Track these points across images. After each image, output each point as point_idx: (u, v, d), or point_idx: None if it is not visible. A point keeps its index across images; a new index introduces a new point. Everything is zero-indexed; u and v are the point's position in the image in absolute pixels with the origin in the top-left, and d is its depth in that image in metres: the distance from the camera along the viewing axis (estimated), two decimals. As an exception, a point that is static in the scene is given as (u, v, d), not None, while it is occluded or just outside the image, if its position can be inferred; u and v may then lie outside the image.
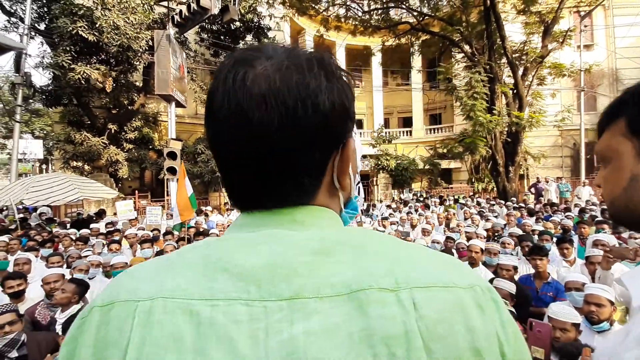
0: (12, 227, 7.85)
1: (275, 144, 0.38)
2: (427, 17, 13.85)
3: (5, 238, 5.13)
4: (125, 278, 0.40)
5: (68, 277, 3.66)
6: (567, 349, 1.59)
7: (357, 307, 0.33)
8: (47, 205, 8.89)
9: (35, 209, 9.56)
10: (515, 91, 11.54)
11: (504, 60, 11.78)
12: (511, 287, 2.59)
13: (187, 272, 0.37)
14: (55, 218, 9.71)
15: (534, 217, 7.18)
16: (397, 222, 7.20)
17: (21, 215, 8.97)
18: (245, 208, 0.43)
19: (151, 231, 6.61)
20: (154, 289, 0.37)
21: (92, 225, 7.37)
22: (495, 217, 7.66)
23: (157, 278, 0.38)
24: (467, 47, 12.60)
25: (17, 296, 3.06)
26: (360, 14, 14.74)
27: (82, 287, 2.88)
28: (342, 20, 14.90)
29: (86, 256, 4.44)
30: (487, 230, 5.87)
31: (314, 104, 0.38)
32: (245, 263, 0.36)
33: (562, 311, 2.02)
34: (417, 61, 18.40)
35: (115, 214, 9.59)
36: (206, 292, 0.35)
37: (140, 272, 0.40)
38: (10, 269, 3.90)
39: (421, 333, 0.32)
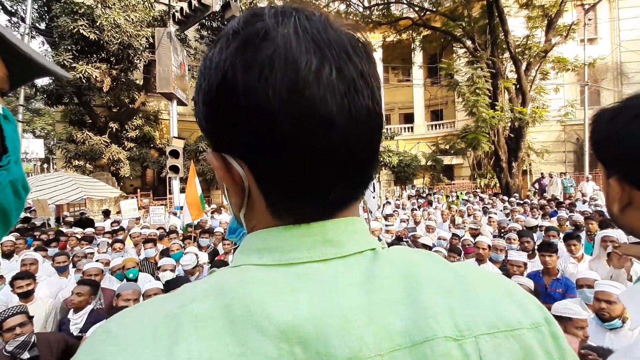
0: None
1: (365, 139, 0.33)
2: (428, 12, 13.74)
3: (12, 237, 5.15)
4: (108, 347, 0.28)
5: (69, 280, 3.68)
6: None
7: None
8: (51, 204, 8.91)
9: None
10: (518, 86, 11.47)
11: (507, 55, 11.70)
12: (530, 284, 2.62)
13: (204, 331, 0.27)
14: (59, 217, 9.74)
15: (540, 213, 7.16)
16: (407, 220, 7.19)
17: (27, 215, 8.99)
18: (296, 220, 0.34)
19: (157, 229, 6.61)
20: None
21: (97, 224, 7.40)
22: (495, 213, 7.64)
23: (161, 345, 0.27)
24: (469, 42, 12.52)
25: (26, 296, 3.07)
26: (361, 9, 14.64)
27: (94, 288, 2.89)
28: (343, 16, 14.81)
29: (90, 254, 4.47)
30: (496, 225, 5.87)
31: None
32: (283, 316, 0.28)
33: (579, 309, 2.03)
34: (418, 57, 18.29)
35: (118, 212, 9.61)
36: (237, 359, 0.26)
37: (132, 333, 0.28)
38: (17, 268, 3.91)
39: None
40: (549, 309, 2.88)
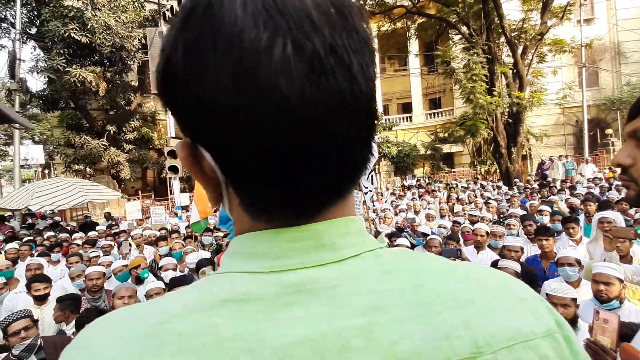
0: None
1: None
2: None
3: (15, 245, 5.21)
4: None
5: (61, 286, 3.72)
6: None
7: None
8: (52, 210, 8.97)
9: (44, 216, 9.65)
10: (515, 71, 11.38)
11: (503, 39, 11.58)
12: (516, 266, 2.63)
13: (189, 354, 0.25)
14: (62, 223, 9.80)
15: (537, 197, 7.17)
16: (405, 210, 7.25)
17: (29, 221, 9.05)
18: (267, 219, 0.30)
19: (158, 230, 6.66)
20: None
21: (98, 227, 7.46)
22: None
23: None
24: (464, 28, 12.37)
25: (42, 299, 3.12)
26: (354, -1, 14.46)
27: (74, 304, 2.91)
28: None
29: (95, 257, 4.52)
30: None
31: None
32: (280, 338, 0.25)
33: (560, 287, 2.10)
34: (414, 45, 18.13)
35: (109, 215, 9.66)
36: None
37: (113, 352, 0.26)
38: (22, 275, 3.96)
39: None
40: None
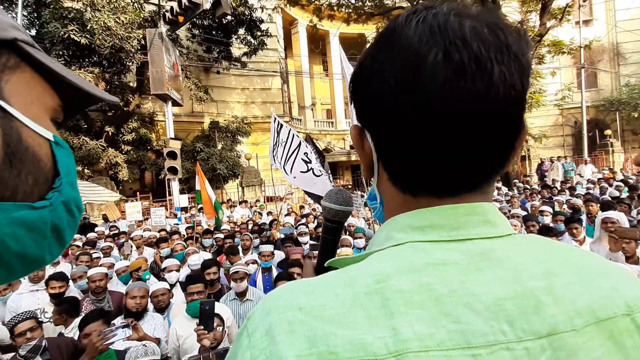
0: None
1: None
2: (421, 1, 13.64)
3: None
4: (323, 325, 0.28)
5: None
6: None
7: (609, 337, 0.30)
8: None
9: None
10: (514, 72, 11.43)
11: (502, 40, 11.65)
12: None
13: (419, 310, 0.28)
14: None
15: (539, 199, 7.19)
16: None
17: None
18: (432, 193, 0.35)
19: (158, 232, 6.63)
20: (391, 340, 0.27)
21: (97, 229, 7.42)
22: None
23: (380, 321, 0.28)
24: (463, 30, 12.44)
25: (58, 297, 3.11)
26: (353, 1, 14.51)
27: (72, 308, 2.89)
28: (335, 8, 14.68)
29: (97, 258, 4.49)
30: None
31: None
32: (486, 295, 0.29)
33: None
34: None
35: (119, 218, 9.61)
36: (459, 337, 0.27)
37: (339, 311, 0.29)
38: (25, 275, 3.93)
39: None
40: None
